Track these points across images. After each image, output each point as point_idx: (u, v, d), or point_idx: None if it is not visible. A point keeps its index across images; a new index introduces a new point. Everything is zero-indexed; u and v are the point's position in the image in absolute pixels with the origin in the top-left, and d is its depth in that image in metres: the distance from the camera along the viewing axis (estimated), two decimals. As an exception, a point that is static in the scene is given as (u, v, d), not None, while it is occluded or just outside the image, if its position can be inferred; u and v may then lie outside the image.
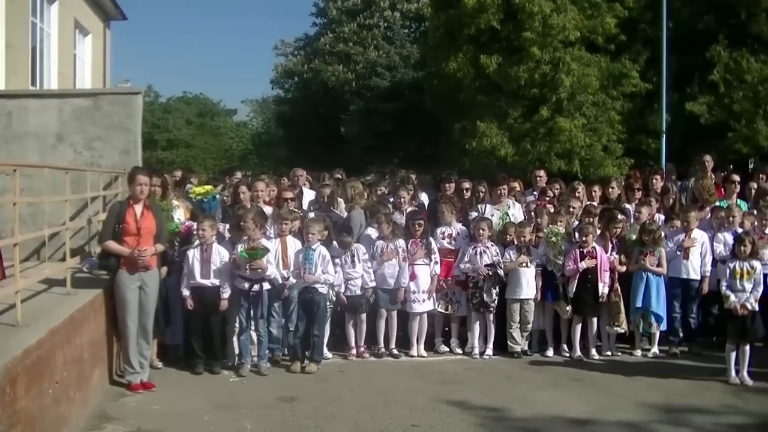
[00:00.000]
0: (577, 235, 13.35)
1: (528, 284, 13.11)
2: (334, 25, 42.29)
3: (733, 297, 11.69)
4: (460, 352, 13.38)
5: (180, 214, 12.68)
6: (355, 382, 11.59)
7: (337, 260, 12.68)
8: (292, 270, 12.10)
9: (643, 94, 25.14)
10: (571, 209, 14.12)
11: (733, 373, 11.69)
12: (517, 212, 14.59)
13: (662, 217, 14.33)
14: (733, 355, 11.73)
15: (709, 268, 13.42)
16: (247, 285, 11.77)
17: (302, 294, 12.15)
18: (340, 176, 16.42)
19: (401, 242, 13.11)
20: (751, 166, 22.72)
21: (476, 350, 13.18)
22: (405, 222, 13.44)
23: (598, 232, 13.30)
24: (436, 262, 13.17)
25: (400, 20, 40.96)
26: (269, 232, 12.45)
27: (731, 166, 19.43)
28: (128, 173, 11.08)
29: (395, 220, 13.41)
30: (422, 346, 13.23)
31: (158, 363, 11.85)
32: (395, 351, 13.17)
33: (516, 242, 13.27)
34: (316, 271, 12.07)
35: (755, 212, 13.89)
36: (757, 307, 11.69)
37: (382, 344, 13.20)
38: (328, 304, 12.59)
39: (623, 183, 16.24)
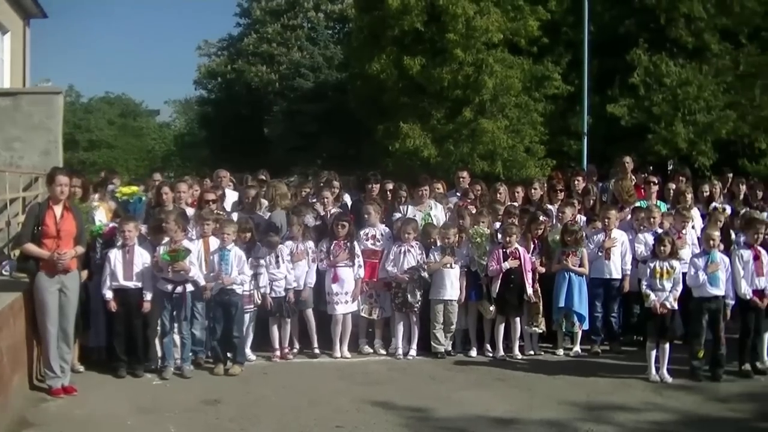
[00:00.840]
0: (500, 235, 13.44)
1: (452, 285, 13.16)
2: (258, 26, 42.12)
3: (653, 296, 11.88)
4: (384, 352, 13.39)
5: (102, 216, 12.52)
6: (279, 383, 11.56)
7: (262, 261, 12.64)
8: (206, 272, 12.02)
9: (565, 96, 25.42)
10: (495, 210, 14.20)
11: (653, 370, 11.88)
12: (439, 213, 14.65)
13: (584, 217, 14.49)
14: (654, 353, 11.92)
15: (629, 267, 13.62)
16: (170, 287, 11.67)
17: (219, 296, 12.06)
18: (263, 178, 16.35)
19: (311, 244, 13.12)
20: (670, 167, 23.10)
21: (400, 351, 13.21)
22: (330, 223, 13.45)
23: (521, 232, 13.41)
24: (359, 265, 13.18)
25: (323, 21, 40.93)
26: (191, 233, 12.37)
27: (651, 168, 19.71)
28: (48, 174, 10.91)
29: (307, 222, 13.38)
30: (346, 347, 13.22)
31: (80, 367, 11.68)
32: (316, 351, 13.16)
33: (440, 243, 13.33)
34: (233, 272, 12.01)
35: (674, 213, 14.14)
36: (676, 306, 11.89)
37: (297, 344, 13.24)
38: (251, 306, 12.55)
39: (546, 184, 16.39)
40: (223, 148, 39.71)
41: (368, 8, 25.65)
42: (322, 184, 15.36)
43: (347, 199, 15.42)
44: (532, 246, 13.47)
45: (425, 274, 13.10)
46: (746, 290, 12.11)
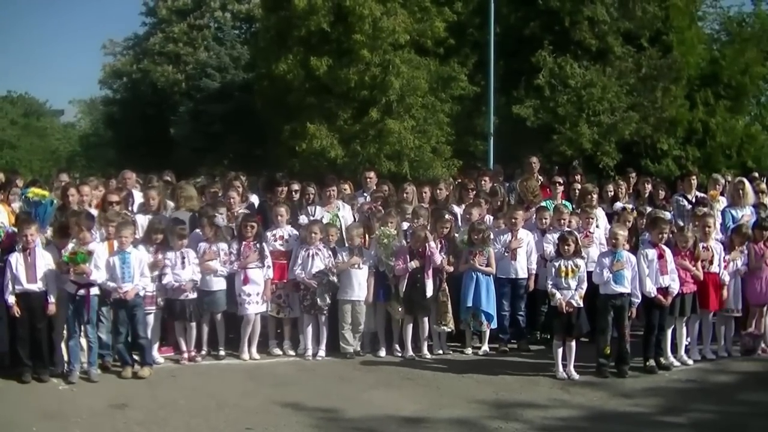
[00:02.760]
0: (407, 236, 13.48)
1: (359, 285, 13.19)
2: (164, 25, 41.58)
3: (558, 295, 12.05)
4: (293, 353, 13.36)
5: (4, 218, 12.26)
6: (187, 386, 11.46)
7: (168, 261, 12.49)
8: (104, 275, 11.81)
9: (471, 97, 25.56)
10: (402, 210, 14.24)
11: (560, 368, 12.06)
12: (347, 214, 14.67)
13: (491, 217, 14.61)
14: (560, 350, 12.09)
15: (534, 266, 13.81)
16: (74, 290, 11.46)
17: (121, 298, 11.86)
18: (169, 179, 16.18)
19: (223, 245, 13.01)
20: (578, 168, 23.43)
21: (309, 352, 13.18)
22: (237, 224, 13.36)
23: (428, 232, 13.46)
24: (268, 266, 13.11)
25: (230, 21, 40.56)
26: (95, 235, 12.16)
27: (556, 168, 19.97)
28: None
29: (218, 222, 13.28)
30: (255, 349, 13.14)
31: (-18, 373, 11.43)
32: (222, 353, 13.06)
33: (347, 244, 13.33)
34: (135, 274, 11.83)
35: (579, 212, 14.33)
36: (581, 304, 12.05)
37: (205, 346, 13.15)
38: (153, 307, 12.40)
39: (454, 184, 16.49)
40: (128, 148, 39.10)
41: (275, 8, 25.47)
42: (228, 185, 15.22)
43: (254, 200, 15.32)
44: (439, 246, 13.52)
45: (333, 278, 13.09)
46: (651, 288, 12.33)
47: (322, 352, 13.21)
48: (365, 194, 15.85)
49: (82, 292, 11.49)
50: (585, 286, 12.20)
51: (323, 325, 13.24)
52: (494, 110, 24.95)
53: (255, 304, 13.03)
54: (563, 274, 12.11)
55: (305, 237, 13.29)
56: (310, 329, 13.24)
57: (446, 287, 13.43)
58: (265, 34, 27.37)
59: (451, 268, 13.53)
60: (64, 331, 11.63)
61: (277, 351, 13.42)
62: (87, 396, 10.87)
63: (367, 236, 13.61)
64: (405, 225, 13.92)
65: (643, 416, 10.34)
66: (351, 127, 23.80)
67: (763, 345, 13.79)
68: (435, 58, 25.18)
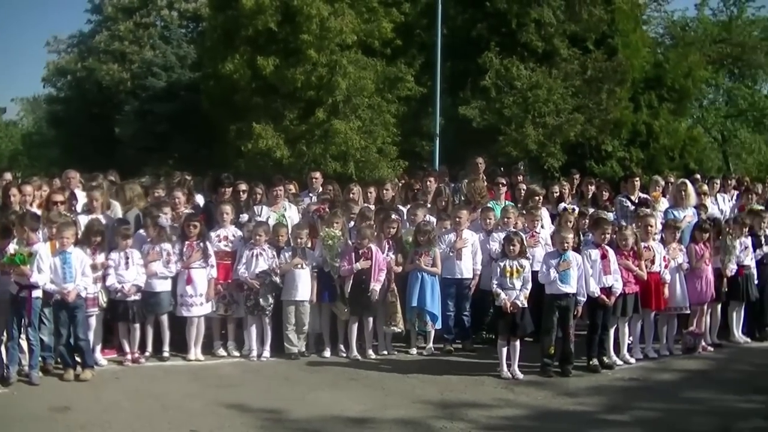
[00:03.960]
0: (353, 236, 13.49)
1: (303, 286, 13.15)
2: (110, 23, 41.14)
3: (503, 295, 12.10)
4: (238, 354, 13.29)
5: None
6: (131, 388, 11.34)
7: (111, 262, 12.39)
8: (48, 276, 11.65)
9: (418, 98, 25.68)
10: (348, 211, 14.24)
11: (504, 367, 12.10)
12: (293, 214, 14.64)
13: (435, 218, 14.65)
14: (504, 350, 12.14)
15: (479, 266, 13.86)
16: (16, 291, 11.31)
17: (63, 299, 11.73)
18: (113, 178, 16.06)
19: (167, 245, 12.93)
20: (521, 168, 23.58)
21: (253, 352, 13.12)
22: (180, 224, 13.28)
23: (375, 233, 13.48)
24: (212, 266, 13.04)
25: (177, 20, 40.28)
26: (38, 235, 12.01)
27: (501, 169, 20.09)
28: None
29: (161, 222, 13.18)
30: (199, 350, 13.06)
31: None
32: (165, 354, 12.94)
33: (292, 244, 13.31)
34: (76, 275, 11.70)
35: (524, 213, 14.44)
36: (525, 304, 12.12)
37: (150, 348, 12.98)
38: (96, 309, 12.29)
39: (400, 185, 16.53)
40: (72, 147, 38.63)
41: (222, 7, 25.41)
42: (173, 185, 15.13)
43: (200, 200, 15.24)
44: (387, 246, 13.55)
45: (277, 279, 13.06)
46: (594, 288, 12.43)
47: (266, 353, 13.15)
48: (311, 194, 15.83)
49: (23, 293, 11.34)
50: (530, 286, 12.25)
51: (268, 325, 13.19)
52: (440, 111, 25.09)
53: (198, 305, 12.94)
54: (508, 274, 12.17)
55: (250, 237, 13.25)
56: (254, 330, 13.18)
57: (395, 287, 13.45)
58: (211, 33, 27.28)
59: (399, 269, 13.55)
60: (3, 334, 11.44)
61: (222, 352, 13.34)
62: (27, 399, 10.69)
63: (312, 237, 13.59)
64: (351, 225, 13.91)
65: (587, 415, 10.40)
66: (297, 128, 23.81)
67: (703, 343, 13.98)
68: (382, 59, 25.26)
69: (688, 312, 13.85)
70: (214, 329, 13.48)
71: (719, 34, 44.38)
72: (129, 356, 12.66)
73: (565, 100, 26.14)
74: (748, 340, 14.73)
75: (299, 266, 13.12)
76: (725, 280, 14.18)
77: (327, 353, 13.41)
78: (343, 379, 12.08)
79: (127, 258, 12.52)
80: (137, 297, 12.57)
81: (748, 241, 14.63)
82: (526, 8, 26.19)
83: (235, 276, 13.17)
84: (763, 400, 11.13)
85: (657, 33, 43.09)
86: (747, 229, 14.72)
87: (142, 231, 13.14)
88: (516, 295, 12.08)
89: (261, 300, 12.99)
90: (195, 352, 12.99)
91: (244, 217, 14.07)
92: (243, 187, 14.90)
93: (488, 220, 14.22)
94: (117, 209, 13.81)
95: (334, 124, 23.37)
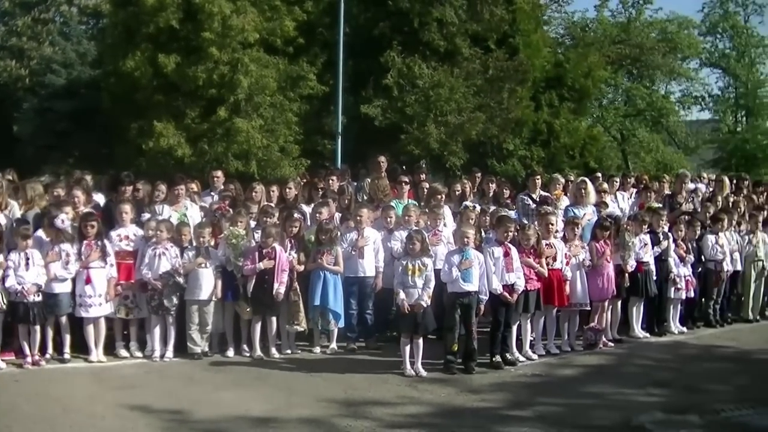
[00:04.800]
0: (256, 235, 13.42)
1: (207, 285, 13.04)
2: (7, 18, 40.32)
3: (402, 295, 12.15)
4: (140, 355, 13.09)
5: None
6: (31, 391, 11.09)
7: (11, 263, 12.14)
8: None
9: (320, 97, 25.64)
10: (250, 210, 14.16)
11: (408, 365, 12.14)
12: (194, 213, 14.51)
13: (339, 216, 14.66)
14: (407, 348, 12.18)
15: (381, 265, 13.89)
16: None
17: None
18: (11, 177, 15.73)
19: (66, 246, 12.68)
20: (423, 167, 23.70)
21: (156, 353, 12.94)
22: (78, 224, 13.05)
23: (277, 232, 13.42)
24: (111, 265, 12.84)
25: (77, 16, 39.60)
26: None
27: (403, 167, 20.17)
28: None
29: (57, 223, 12.89)
30: (101, 351, 12.85)
31: None
32: (66, 356, 12.67)
33: (195, 243, 13.19)
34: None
35: (427, 211, 14.51)
36: (428, 303, 12.17)
37: (50, 349, 12.71)
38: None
39: (302, 183, 16.49)
40: (-32, 146, 37.92)
41: (123, 4, 25.02)
42: (73, 184, 14.87)
43: (100, 199, 15.01)
44: (289, 245, 13.51)
45: (180, 280, 12.92)
46: (497, 285, 12.54)
47: (169, 353, 12.99)
48: (212, 193, 15.72)
49: None
50: (433, 284, 12.31)
51: (171, 325, 13.03)
52: (343, 110, 25.12)
53: (97, 306, 12.69)
54: (410, 273, 12.21)
55: (152, 236, 13.09)
56: (157, 330, 13.01)
57: (297, 286, 13.41)
58: (112, 30, 26.85)
59: (302, 268, 13.52)
60: None
61: (124, 353, 13.12)
62: None
63: (215, 236, 13.48)
64: (253, 224, 13.84)
65: (491, 411, 10.49)
66: (199, 126, 23.60)
67: (604, 339, 14.21)
68: (284, 58, 25.17)
69: (589, 308, 14.07)
70: (115, 330, 13.26)
71: (618, 35, 45.31)
72: (29, 358, 12.39)
73: (467, 99, 26.37)
74: (648, 335, 15.04)
75: (202, 265, 13.01)
76: (626, 276, 14.44)
77: (230, 353, 13.31)
78: (247, 378, 12.01)
79: (28, 258, 12.26)
80: (38, 298, 12.32)
81: (647, 238, 14.92)
82: (428, 7, 26.34)
83: (138, 276, 12.99)
84: (662, 394, 11.39)
85: (557, 33, 43.79)
86: (646, 226, 15.02)
87: (40, 231, 12.89)
88: (419, 294, 12.13)
89: (165, 300, 12.83)
90: (96, 354, 12.76)
91: (146, 216, 13.90)
92: (144, 185, 14.72)
93: (390, 219, 14.27)
94: (15, 209, 13.52)
95: (236, 123, 23.22)
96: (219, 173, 16.51)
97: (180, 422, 9.83)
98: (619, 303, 14.74)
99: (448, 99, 25.90)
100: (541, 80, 30.86)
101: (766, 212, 17.57)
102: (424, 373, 12.08)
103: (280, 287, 13.08)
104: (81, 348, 12.83)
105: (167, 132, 22.99)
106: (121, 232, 13.29)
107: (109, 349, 13.03)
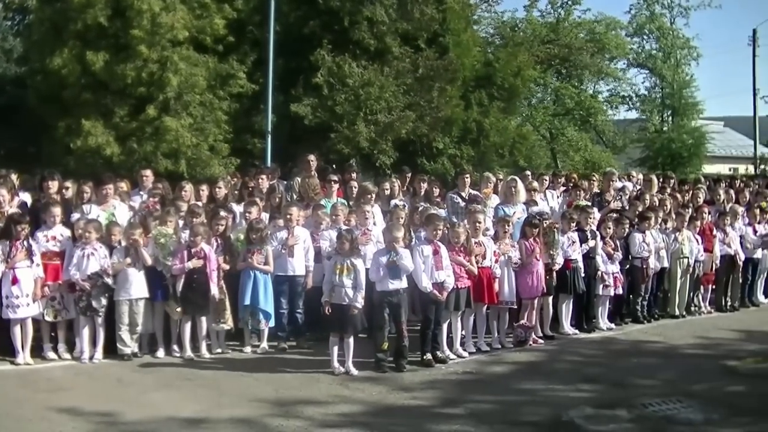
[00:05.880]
0: (184, 235, 13.35)
1: (137, 285, 12.94)
2: (-69, 13, 39.74)
3: (326, 296, 12.15)
4: (69, 357, 12.94)
5: None
6: (-46, 395, 10.96)
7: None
8: None
9: (250, 95, 25.53)
10: (179, 209, 14.08)
11: (336, 364, 12.17)
12: (123, 213, 14.37)
13: (268, 215, 14.63)
14: (336, 347, 12.20)
15: (311, 264, 13.92)
16: None
17: None
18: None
19: None
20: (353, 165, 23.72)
21: (85, 354, 12.80)
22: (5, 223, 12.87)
23: (205, 230, 13.34)
24: (38, 265, 12.66)
25: (2, 11, 39.03)
26: None
27: (333, 166, 20.19)
28: None
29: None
30: (28, 353, 12.67)
31: None
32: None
33: (124, 243, 13.07)
34: None
35: (356, 210, 14.53)
36: (360, 302, 12.19)
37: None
38: None
39: (233, 183, 16.43)
40: None
41: (50, 0, 24.73)
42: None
43: (27, 198, 14.80)
44: (216, 244, 13.45)
45: (109, 280, 12.80)
46: (427, 284, 12.59)
47: (99, 355, 12.84)
48: (141, 193, 15.59)
49: None
50: (363, 284, 12.35)
51: (100, 326, 12.89)
52: (272, 108, 25.08)
53: (24, 307, 12.53)
54: (338, 272, 12.22)
55: (80, 236, 12.95)
56: (86, 331, 12.85)
57: (223, 285, 13.37)
58: (39, 26, 26.41)
59: (227, 267, 13.47)
60: None
61: (52, 355, 12.95)
62: None
63: (144, 235, 13.36)
64: (182, 223, 13.76)
65: (423, 409, 10.55)
66: (128, 125, 23.34)
67: (534, 336, 14.34)
68: (214, 56, 24.99)
69: (514, 306, 14.19)
70: (43, 331, 13.07)
71: (547, 35, 45.79)
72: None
73: (397, 98, 26.44)
74: (577, 331, 15.23)
75: (131, 265, 12.90)
76: (554, 274, 14.59)
77: (160, 353, 13.23)
78: (177, 379, 11.94)
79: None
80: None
81: (575, 236, 15.10)
82: (359, 6, 26.34)
83: (66, 277, 12.83)
84: (592, 389, 11.55)
85: (487, 33, 44.09)
86: (574, 224, 15.20)
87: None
88: (347, 293, 12.14)
89: (93, 301, 12.69)
90: (24, 356, 12.58)
91: (75, 216, 13.74)
92: (71, 185, 14.55)
93: (320, 218, 14.26)
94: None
95: (165, 122, 23.02)
96: (148, 172, 16.36)
97: (109, 424, 9.75)
98: (551, 300, 14.87)
99: (378, 98, 25.94)
100: (470, 79, 31.00)
101: (691, 210, 17.85)
102: (355, 371, 12.10)
103: (214, 288, 13.05)
104: (7, 350, 12.65)
105: (95, 131, 22.72)
106: (48, 232, 13.12)
107: (36, 351, 12.87)
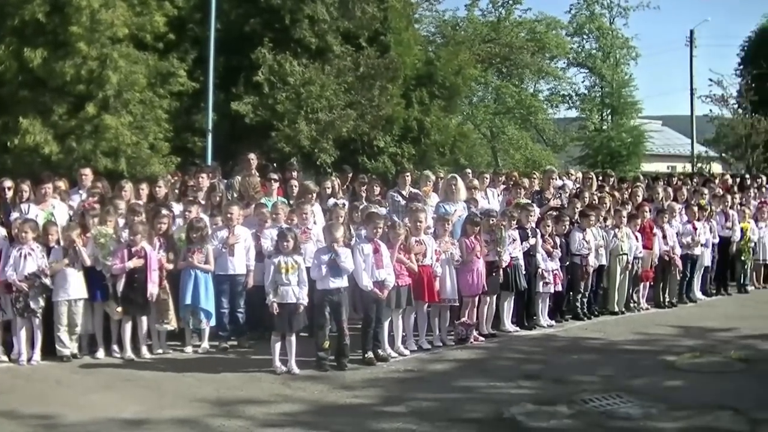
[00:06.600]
0: (124, 234, 13.25)
1: (76, 285, 12.82)
2: None
3: (272, 296, 12.12)
4: (6, 359, 12.77)
5: None
6: None
7: None
8: None
9: (191, 93, 25.35)
10: (118, 208, 13.97)
11: (278, 363, 12.15)
12: (62, 212, 14.23)
13: (209, 214, 14.57)
14: (278, 345, 12.19)
15: (252, 262, 13.87)
16: None
17: None
18: None
19: None
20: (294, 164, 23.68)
21: (23, 357, 12.63)
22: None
23: (145, 229, 13.25)
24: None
25: (-64, 7, 38.52)
26: None
27: (274, 165, 20.15)
28: None
29: None
30: (-38, 356, 12.54)
31: None
32: None
33: (62, 243, 12.95)
34: None
35: (297, 208, 14.52)
36: (306, 300, 12.20)
37: None
38: None
39: (173, 181, 16.34)
40: None
41: (-16, -5, 24.42)
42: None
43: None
44: (158, 243, 13.37)
45: (47, 281, 12.66)
46: (367, 282, 12.61)
47: (37, 357, 12.69)
48: (81, 192, 15.44)
49: None
50: (307, 282, 12.35)
51: (38, 328, 12.73)
52: (213, 107, 24.96)
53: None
54: (283, 271, 12.21)
55: (17, 236, 12.80)
56: (23, 332, 12.68)
57: (167, 285, 13.29)
58: (-26, 22, 26.12)
59: (171, 266, 13.40)
60: None
61: (-12, 357, 12.84)
62: None
63: (83, 235, 13.24)
64: (122, 223, 13.66)
65: (365, 407, 10.57)
66: (66, 123, 23.06)
67: (475, 333, 14.42)
68: (154, 53, 24.77)
69: (459, 304, 14.27)
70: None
71: (488, 34, 46.13)
72: None
73: (338, 97, 26.45)
74: (518, 329, 15.34)
75: (70, 265, 12.78)
76: (500, 271, 14.68)
77: (100, 354, 13.11)
78: (117, 380, 11.85)
79: None
80: None
81: (516, 233, 15.20)
82: (300, 4, 26.31)
83: (2, 277, 12.67)
84: (532, 386, 11.63)
85: (429, 32, 44.31)
86: (515, 222, 15.30)
87: None
88: (293, 292, 12.14)
89: (31, 302, 12.54)
90: (-40, 359, 12.46)
91: (14, 215, 13.60)
92: (8, 184, 14.38)
93: (261, 216, 14.24)
94: None
95: (105, 120, 22.79)
96: (87, 171, 16.21)
97: (49, 427, 9.66)
98: (494, 298, 14.95)
99: (319, 96, 25.94)
100: (412, 78, 31.11)
101: (631, 208, 18.06)
102: (297, 370, 12.09)
103: (153, 288, 12.96)
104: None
105: (33, 129, 22.44)
106: (-18, 232, 12.97)
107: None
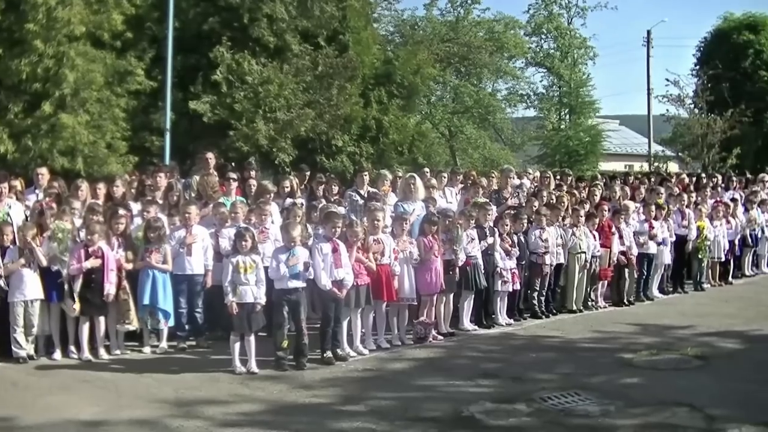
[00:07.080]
0: (81, 234, 13.17)
1: (32, 285, 12.71)
2: None
3: (231, 296, 12.10)
4: (-39, 361, 12.70)
5: None
6: None
7: None
8: None
9: (148, 92, 25.26)
10: (72, 207, 13.87)
11: (237, 362, 12.12)
12: (18, 212, 14.12)
13: (165, 215, 14.49)
14: (237, 345, 12.16)
15: (210, 262, 13.83)
16: None
17: None
18: None
19: None
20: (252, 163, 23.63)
21: (-22, 358, 12.58)
22: None
23: (102, 229, 13.17)
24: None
25: None
26: None
27: (232, 164, 20.10)
28: None
29: None
30: None
31: None
32: None
33: (18, 243, 12.84)
34: None
35: (254, 208, 14.49)
36: (264, 299, 12.20)
37: None
38: None
39: (130, 181, 16.26)
40: None
41: (-60, -8, 24.15)
42: None
43: None
44: (116, 243, 13.30)
45: (1, 282, 12.55)
46: (326, 281, 12.61)
47: (-8, 358, 12.64)
48: (37, 191, 15.32)
49: None
50: (264, 281, 12.35)
51: (-8, 329, 12.67)
52: (171, 106, 24.83)
53: None
54: (242, 270, 12.19)
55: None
56: (-22, 334, 12.63)
57: (126, 285, 13.21)
58: (-72, 20, 25.84)
59: (130, 266, 13.33)
60: None
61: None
62: None
63: (39, 235, 13.14)
64: (79, 223, 13.56)
65: (324, 406, 10.56)
66: (22, 122, 22.89)
67: (434, 332, 14.45)
68: (112, 52, 24.64)
69: (417, 303, 14.31)
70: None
71: (447, 33, 46.27)
72: None
73: (296, 96, 26.46)
74: (476, 327, 15.38)
75: (26, 266, 12.68)
76: (457, 270, 14.73)
77: (57, 355, 12.99)
78: (74, 381, 11.77)
79: None
80: None
81: (474, 233, 15.25)
82: (258, 3, 26.30)
83: (-42, 278, 12.58)
84: (491, 384, 11.67)
85: (387, 31, 44.40)
86: (473, 221, 15.35)
87: None
88: (252, 292, 12.14)
89: (-13, 303, 12.47)
90: None
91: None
92: (-36, 183, 14.27)
93: (219, 216, 14.20)
94: None
95: (62, 119, 22.64)
96: (44, 170, 16.06)
97: (5, 430, 9.58)
98: (452, 297, 15.00)
99: (278, 95, 25.94)
100: (370, 77, 31.16)
101: (589, 207, 18.16)
102: (256, 370, 12.07)
103: (110, 288, 12.88)
104: None
105: (-12, 128, 22.29)
106: (-64, 233, 12.83)
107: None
